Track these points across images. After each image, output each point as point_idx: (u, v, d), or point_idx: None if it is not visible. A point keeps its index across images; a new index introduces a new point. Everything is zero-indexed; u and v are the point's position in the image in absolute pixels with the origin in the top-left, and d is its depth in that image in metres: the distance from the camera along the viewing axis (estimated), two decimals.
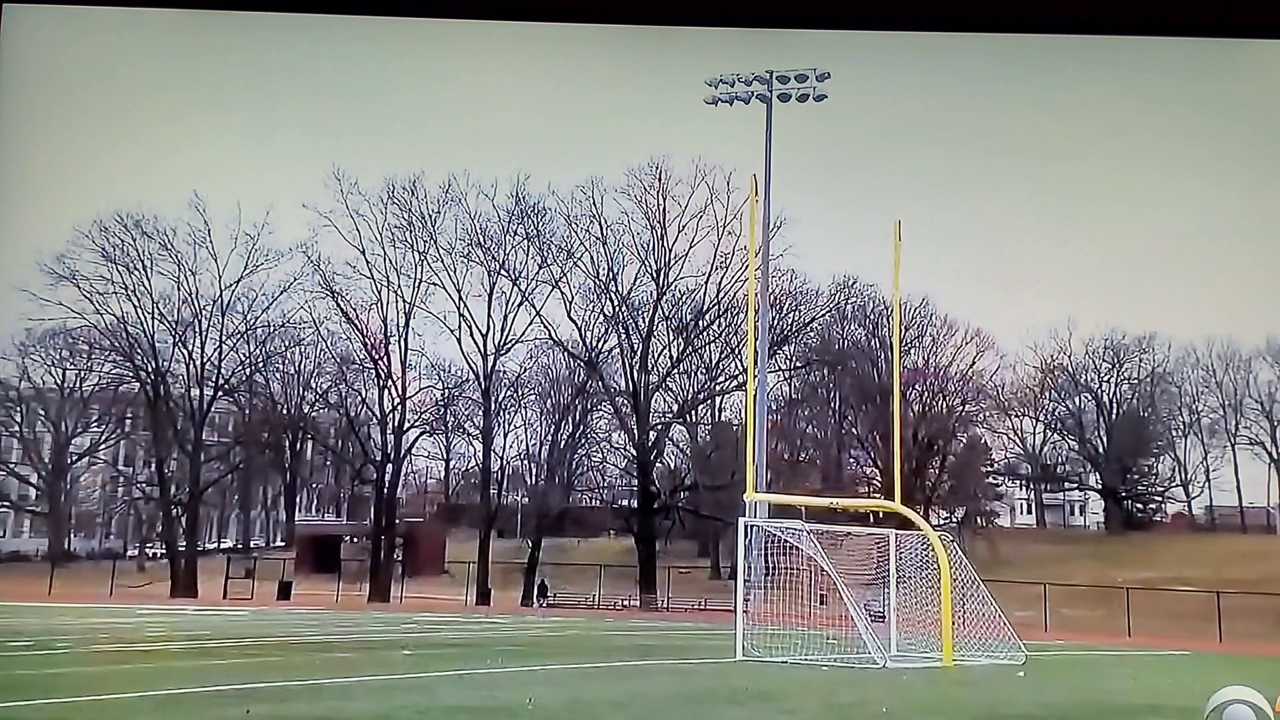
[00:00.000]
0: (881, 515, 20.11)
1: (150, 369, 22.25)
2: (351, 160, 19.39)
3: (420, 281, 22.50)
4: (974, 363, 22.73)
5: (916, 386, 23.08)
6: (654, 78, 15.42)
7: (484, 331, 22.74)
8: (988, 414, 23.52)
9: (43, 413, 22.13)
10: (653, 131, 17.83)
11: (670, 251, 22.98)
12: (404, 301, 22.47)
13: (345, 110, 16.05)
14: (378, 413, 22.84)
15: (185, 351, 22.28)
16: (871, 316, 23.45)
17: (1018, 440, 23.86)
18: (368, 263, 22.08)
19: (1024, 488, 24.49)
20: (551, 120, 17.35)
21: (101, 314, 21.59)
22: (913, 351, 22.75)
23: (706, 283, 23.06)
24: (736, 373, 23.20)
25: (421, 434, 23.18)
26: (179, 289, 21.88)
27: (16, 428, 21.78)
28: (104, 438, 22.80)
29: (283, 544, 23.65)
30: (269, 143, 17.04)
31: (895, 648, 17.02)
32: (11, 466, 22.11)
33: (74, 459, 22.49)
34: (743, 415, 21.87)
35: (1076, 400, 23.56)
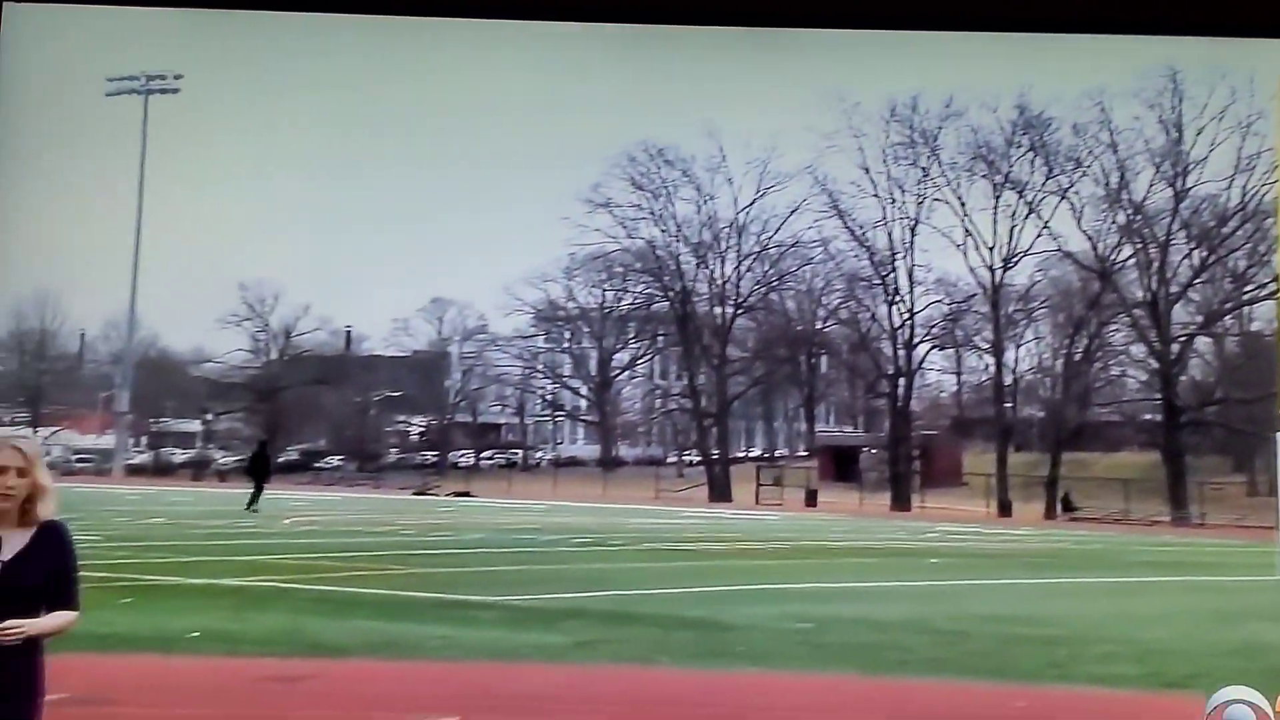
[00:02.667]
0: None
1: (677, 289, 23.28)
2: (856, 80, 19.28)
3: (924, 198, 22.12)
4: None
5: None
6: None
7: (990, 245, 22.07)
8: None
9: (587, 330, 23.75)
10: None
11: (1188, 155, 21.28)
12: (908, 218, 22.18)
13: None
14: (887, 328, 22.78)
15: (707, 272, 23.15)
16: None
17: None
18: (872, 181, 21.93)
19: None
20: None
21: (632, 238, 22.81)
22: None
23: (1229, 186, 21.18)
24: (1266, 280, 21.21)
25: (931, 348, 22.94)
26: (699, 213, 22.71)
27: (566, 344, 23.59)
28: (641, 353, 24.18)
29: (805, 454, 24.23)
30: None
31: None
32: (564, 380, 24.03)
33: (616, 373, 24.07)
34: (1275, 325, 20.01)
35: None
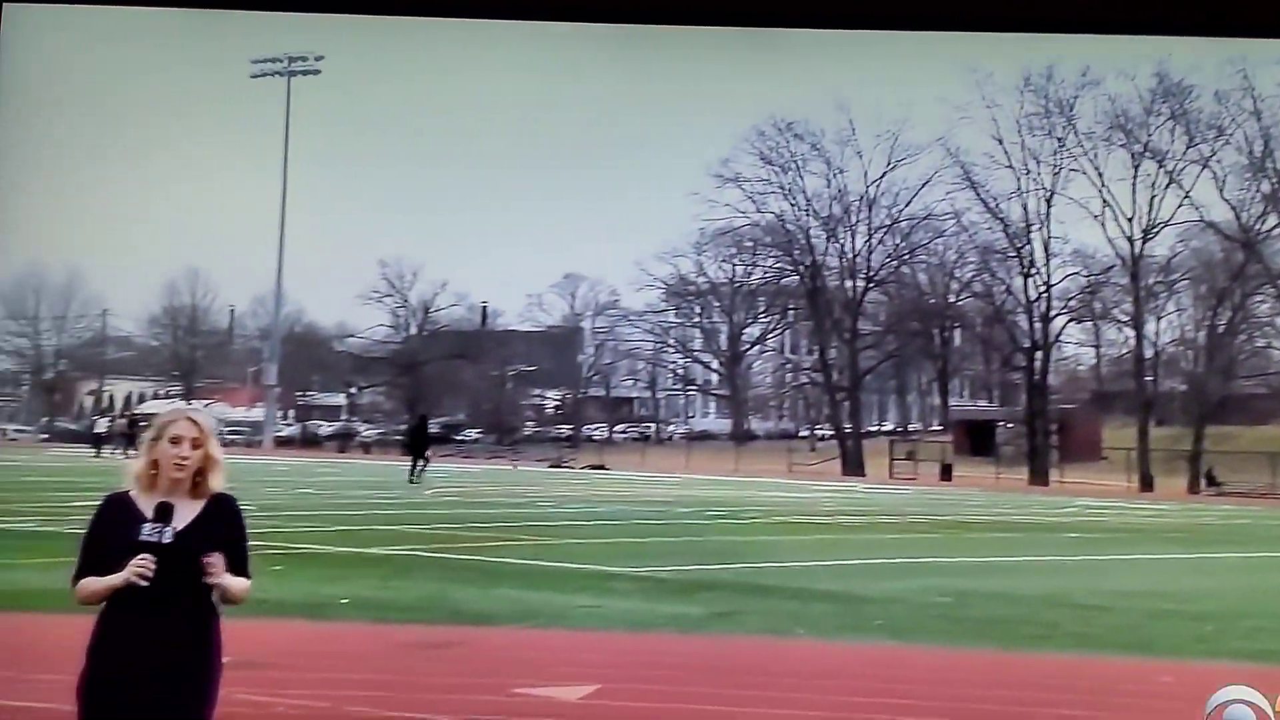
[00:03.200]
0: None
1: (807, 263, 23.15)
2: (988, 51, 18.89)
3: (1060, 168, 21.63)
4: None
5: None
6: None
7: (1129, 216, 21.50)
8: None
9: (717, 304, 23.76)
10: None
11: None
12: (1044, 189, 21.70)
13: None
14: (1023, 301, 22.36)
15: (837, 245, 22.98)
16: None
17: None
18: (1005, 152, 21.50)
19: None
20: None
21: (762, 212, 22.73)
22: None
23: None
24: None
25: (1069, 321, 22.48)
26: (829, 186, 22.53)
27: (697, 319, 23.63)
28: (771, 327, 24.14)
29: (939, 428, 23.97)
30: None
31: None
32: (695, 354, 24.09)
33: (747, 347, 24.06)
34: None
35: None
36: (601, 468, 22.05)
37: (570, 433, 23.49)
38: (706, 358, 24.25)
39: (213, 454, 4.69)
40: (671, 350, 24.24)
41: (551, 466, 21.95)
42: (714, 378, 24.46)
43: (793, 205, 22.73)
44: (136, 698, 4.53)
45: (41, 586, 10.61)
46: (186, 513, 4.61)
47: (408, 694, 8.23)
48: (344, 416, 23.35)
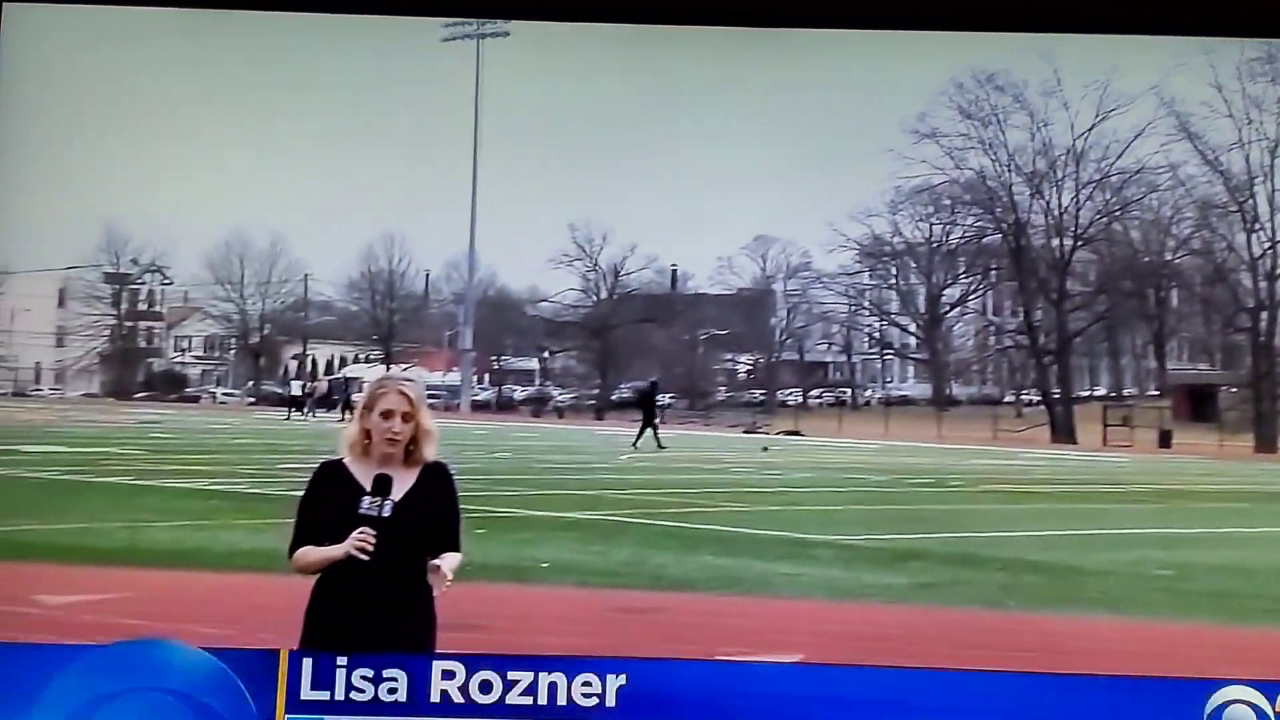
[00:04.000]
0: None
1: (1009, 221, 22.54)
2: None
3: None
4: None
5: None
6: None
7: None
8: None
9: (914, 265, 23.33)
10: None
11: None
12: (1267, 139, 20.58)
13: None
14: (1246, 258, 21.33)
15: (1042, 202, 22.29)
16: None
17: None
18: (1225, 101, 20.44)
19: None
20: None
21: (961, 169, 22.18)
22: None
23: None
24: None
25: None
26: (1033, 140, 21.83)
27: (893, 280, 23.25)
28: (972, 289, 23.61)
29: (1156, 392, 23.12)
30: None
31: None
32: (892, 317, 23.73)
33: (946, 309, 23.59)
34: None
35: None
36: (796, 433, 21.97)
37: (763, 398, 23.44)
38: (904, 320, 23.86)
39: (425, 425, 4.73)
40: (867, 313, 23.93)
41: (745, 432, 21.96)
42: (912, 341, 24.06)
43: (994, 161, 22.12)
44: None
45: (253, 547, 11.12)
46: (401, 483, 4.69)
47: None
48: (537, 381, 23.78)
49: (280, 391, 22.05)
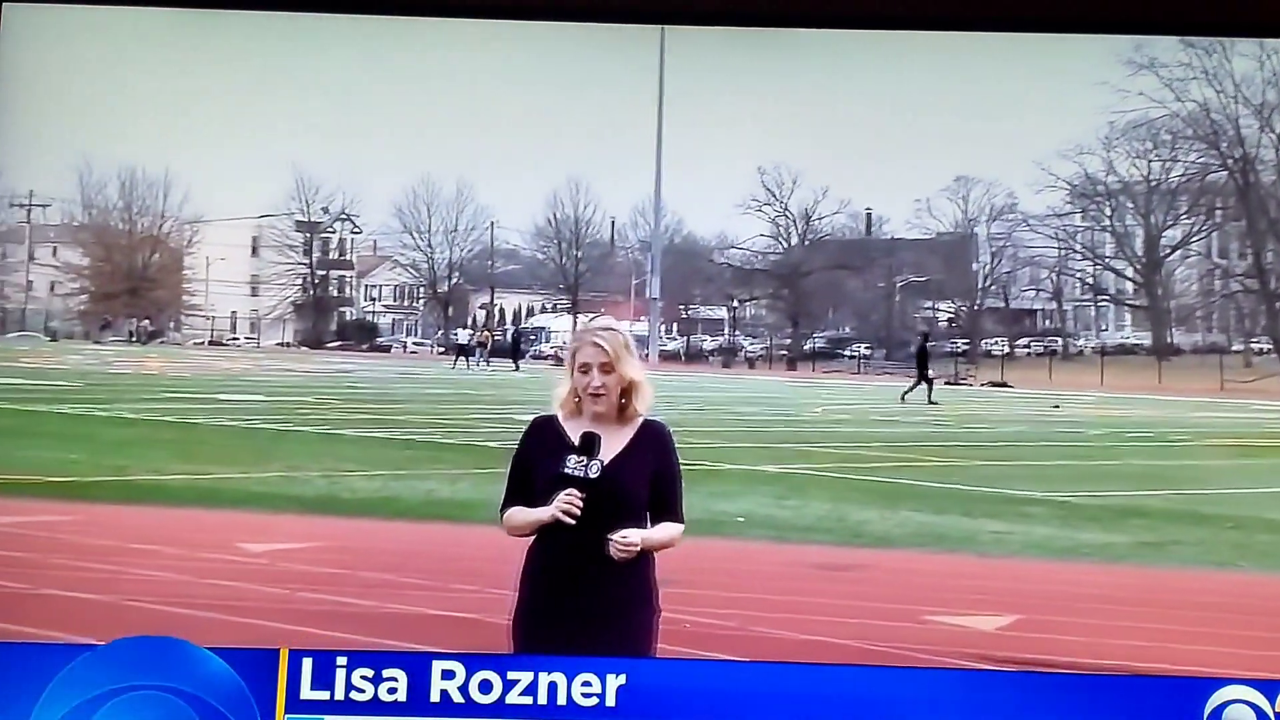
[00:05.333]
0: None
1: (1236, 156, 21.51)
2: None
3: None
4: None
5: None
6: None
7: None
8: None
9: (1131, 205, 22.49)
10: None
11: None
12: None
13: None
14: None
15: (1273, 136, 21.20)
16: None
17: None
18: None
19: None
20: None
21: (1182, 101, 21.21)
22: None
23: None
24: None
25: None
26: (1262, 69, 20.73)
27: (1107, 222, 22.46)
28: (1195, 230, 22.65)
29: None
30: None
31: None
32: (1107, 261, 22.95)
33: (1167, 252, 22.69)
34: None
35: None
36: (1004, 385, 21.52)
37: (967, 347, 22.99)
38: (1120, 265, 23.04)
39: (631, 376, 4.50)
40: (1079, 257, 23.18)
41: (948, 383, 21.60)
42: (1129, 286, 23.22)
43: (1219, 92, 21.06)
44: (574, 639, 4.54)
45: (449, 496, 11.43)
46: (614, 442, 4.49)
47: (812, 616, 8.35)
48: (727, 330, 23.77)
49: (464, 342, 22.48)
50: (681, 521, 4.60)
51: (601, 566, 4.41)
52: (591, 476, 4.41)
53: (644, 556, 4.52)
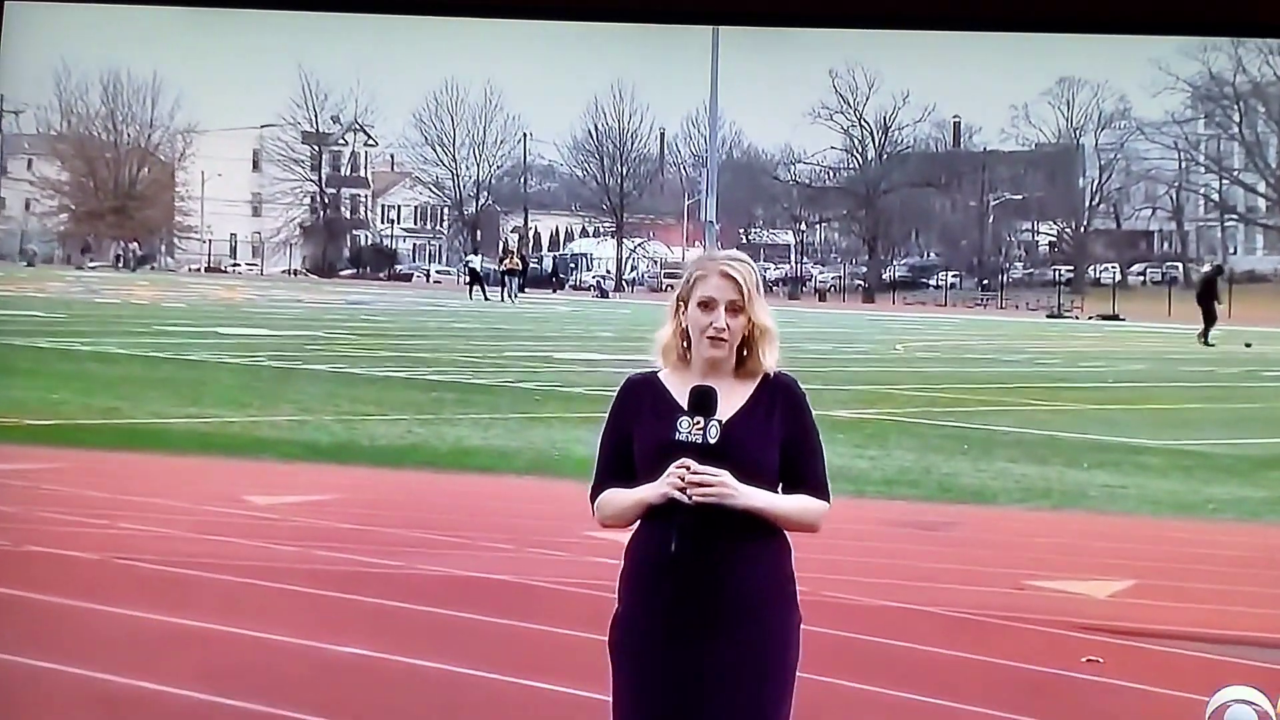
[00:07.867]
0: None
1: None
2: None
3: None
4: None
5: None
6: None
7: None
8: None
9: (1263, 110, 22.15)
10: None
11: None
12: None
13: None
14: None
15: None
16: None
17: None
18: None
19: None
20: None
21: None
22: None
23: None
24: None
25: None
26: None
27: (1235, 129, 22.13)
28: None
29: None
30: None
31: None
32: (1235, 174, 22.64)
33: None
34: None
35: None
36: (1115, 318, 21.37)
37: (1071, 275, 22.81)
38: (1250, 178, 22.75)
39: (761, 321, 3.98)
40: (1202, 170, 22.90)
41: (1050, 317, 21.47)
42: (1261, 204, 22.94)
43: None
44: (698, 653, 3.88)
45: (481, 444, 11.45)
46: (734, 399, 3.98)
47: (898, 580, 8.32)
48: (793, 257, 23.67)
49: (496, 269, 22.42)
50: (826, 498, 4.01)
51: (730, 553, 3.87)
52: (711, 441, 3.85)
53: (778, 543, 3.94)
